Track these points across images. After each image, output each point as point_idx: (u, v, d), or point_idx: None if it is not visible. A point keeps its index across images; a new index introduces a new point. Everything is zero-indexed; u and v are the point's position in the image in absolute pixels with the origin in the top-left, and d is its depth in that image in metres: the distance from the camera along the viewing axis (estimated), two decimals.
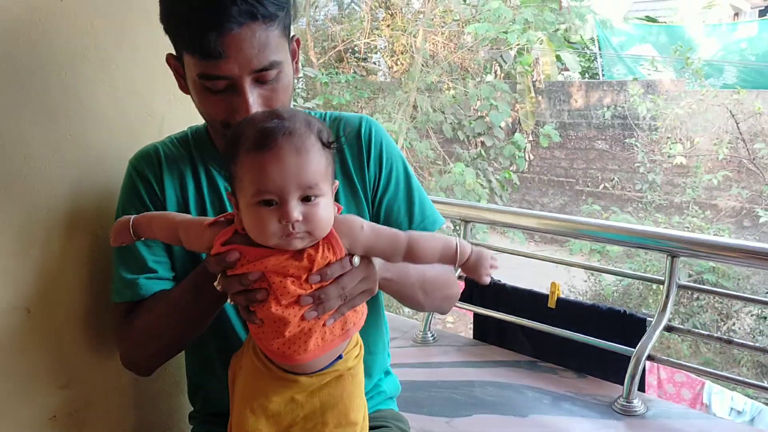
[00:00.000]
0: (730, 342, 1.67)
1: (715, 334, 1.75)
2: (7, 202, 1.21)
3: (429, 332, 2.20)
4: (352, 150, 1.25)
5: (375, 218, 1.27)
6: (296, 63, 1.16)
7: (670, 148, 8.58)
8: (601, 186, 10.68)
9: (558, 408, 1.79)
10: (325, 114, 1.29)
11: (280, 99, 1.09)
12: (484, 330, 2.23)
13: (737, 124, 8.27)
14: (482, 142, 9.23)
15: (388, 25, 9.55)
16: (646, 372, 4.31)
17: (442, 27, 9.07)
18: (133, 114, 1.40)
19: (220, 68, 1.02)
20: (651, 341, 1.76)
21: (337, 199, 1.11)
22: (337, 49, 9.83)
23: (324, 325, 0.96)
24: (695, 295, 6.80)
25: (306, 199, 0.90)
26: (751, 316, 6.49)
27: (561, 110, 11.08)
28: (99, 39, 1.31)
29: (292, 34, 1.13)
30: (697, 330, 1.83)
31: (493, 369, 2.01)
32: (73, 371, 1.35)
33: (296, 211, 0.88)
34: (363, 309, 1.04)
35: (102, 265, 1.33)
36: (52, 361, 1.31)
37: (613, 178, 10.56)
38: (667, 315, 1.78)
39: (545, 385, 1.90)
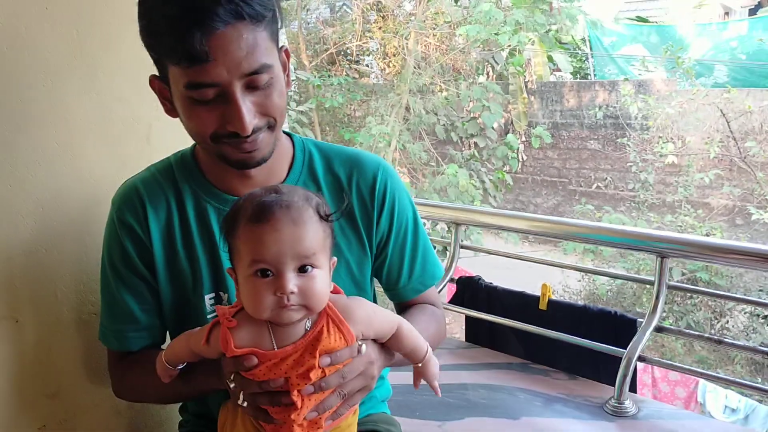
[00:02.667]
0: (720, 342, 1.68)
1: (706, 335, 1.75)
2: None
3: None
4: (363, 202, 1.21)
5: (377, 268, 1.27)
6: (287, 76, 1.09)
7: (662, 147, 8.62)
8: (594, 186, 10.72)
9: (550, 410, 1.79)
10: (345, 150, 1.25)
11: (276, 106, 1.03)
12: (476, 332, 2.23)
13: (728, 122, 8.31)
14: (475, 143, 9.25)
15: (380, 28, 9.58)
16: (640, 371, 4.34)
17: (434, 29, 9.09)
18: (120, 121, 1.40)
19: (207, 73, 0.96)
20: (641, 342, 1.76)
21: (342, 247, 1.13)
22: (329, 52, 9.85)
23: (320, 428, 0.98)
24: (688, 294, 6.83)
25: (302, 270, 0.91)
26: (745, 313, 6.52)
27: (553, 111, 11.12)
28: (84, 46, 1.31)
29: (281, 44, 1.07)
30: (687, 330, 1.84)
31: (485, 371, 2.01)
32: (62, 380, 1.35)
33: (291, 282, 0.89)
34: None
35: (90, 274, 1.34)
36: (40, 370, 1.31)
37: (606, 178, 10.60)
38: (658, 316, 1.78)
39: (537, 387, 1.90)
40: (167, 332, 1.26)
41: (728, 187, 8.61)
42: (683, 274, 6.83)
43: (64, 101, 1.30)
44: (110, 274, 1.18)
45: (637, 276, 2.00)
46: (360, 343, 0.98)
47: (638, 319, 1.87)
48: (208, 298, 1.17)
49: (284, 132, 1.21)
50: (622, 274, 2.03)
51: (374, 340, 1.04)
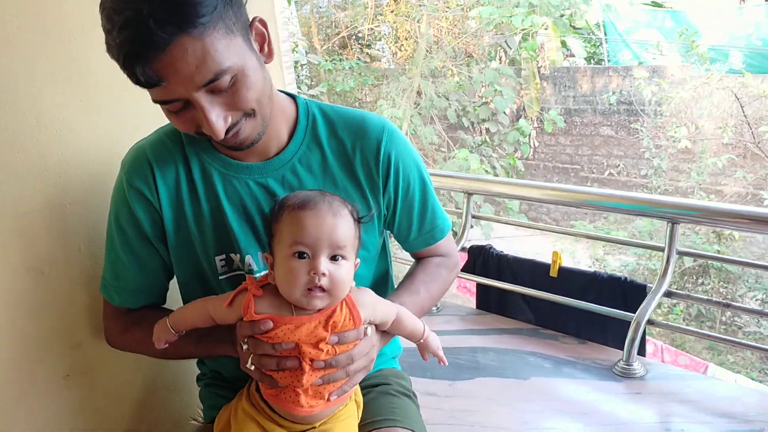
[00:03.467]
0: (728, 306, 1.70)
1: (714, 299, 1.77)
2: (20, 164, 1.24)
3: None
4: (368, 167, 1.22)
5: (389, 224, 1.31)
6: (268, 46, 1.06)
7: (675, 132, 8.55)
8: (607, 172, 10.66)
9: (558, 371, 1.82)
10: (350, 114, 1.25)
11: (247, 99, 1.01)
12: (486, 300, 2.26)
13: (742, 107, 8.23)
14: (487, 129, 9.23)
15: (392, 11, 9.55)
16: (649, 354, 4.36)
17: (446, 12, 9.05)
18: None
19: (165, 92, 0.95)
20: (651, 306, 1.79)
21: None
22: (341, 36, 9.84)
23: (328, 400, 1.07)
24: (699, 281, 6.82)
25: (334, 258, 1.01)
26: (756, 300, 6.52)
27: (566, 96, 11.03)
28: None
29: (253, 17, 1.03)
30: (696, 295, 1.86)
31: (496, 336, 2.04)
32: (85, 331, 1.38)
33: (324, 265, 0.99)
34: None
35: None
36: (64, 322, 1.35)
37: (619, 164, 10.54)
38: (668, 280, 1.80)
39: (546, 351, 1.93)
40: (165, 294, 1.32)
41: (741, 173, 8.55)
42: (695, 261, 6.83)
43: (86, 60, 1.32)
44: (116, 235, 1.21)
45: (647, 243, 2.01)
46: (366, 326, 1.07)
47: (648, 285, 1.89)
48: (219, 260, 1.20)
49: (288, 93, 1.23)
50: (632, 241, 2.04)
51: (376, 327, 1.13)
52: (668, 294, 1.82)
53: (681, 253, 1.82)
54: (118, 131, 1.40)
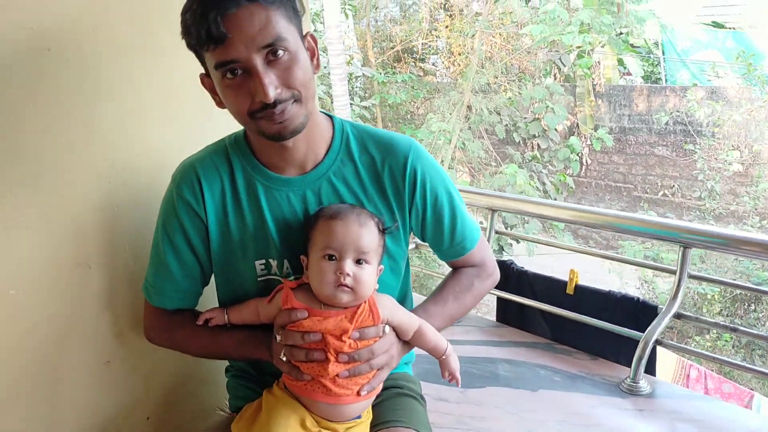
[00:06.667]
0: (735, 330, 1.74)
1: (721, 323, 1.81)
2: (74, 169, 1.37)
3: None
4: (395, 183, 1.33)
5: (422, 237, 1.43)
6: (316, 60, 1.21)
7: (727, 155, 8.36)
8: (660, 193, 10.47)
9: (567, 385, 1.88)
10: (379, 133, 1.36)
11: (298, 79, 1.12)
12: (506, 313, 2.33)
13: None
14: (537, 145, 9.22)
15: (447, 27, 9.65)
16: (693, 380, 4.30)
17: (500, 29, 9.10)
18: (185, 98, 1.56)
19: (228, 51, 1.07)
20: (660, 326, 1.83)
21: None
22: (395, 50, 9.99)
23: (358, 394, 1.23)
24: (751, 307, 6.65)
25: (358, 262, 1.18)
26: None
27: (621, 115, 10.91)
28: (155, 30, 1.47)
29: (305, 31, 1.19)
30: (704, 318, 1.89)
31: (511, 348, 2.12)
32: (126, 323, 1.51)
33: (349, 267, 1.17)
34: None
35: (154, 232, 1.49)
36: (108, 312, 1.48)
37: (673, 185, 10.34)
38: (678, 303, 1.85)
39: (558, 365, 2.00)
40: (198, 299, 1.44)
41: None
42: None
43: (137, 77, 1.46)
44: (162, 241, 1.33)
45: (659, 265, 2.05)
46: (384, 325, 1.22)
47: (659, 306, 1.94)
48: (258, 264, 1.32)
49: (325, 113, 1.36)
50: (646, 263, 2.09)
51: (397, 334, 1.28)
52: (678, 316, 1.86)
53: (692, 277, 1.87)
54: (166, 143, 1.54)
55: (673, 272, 1.89)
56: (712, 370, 4.94)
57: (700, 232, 1.83)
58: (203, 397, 1.73)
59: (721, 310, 7.00)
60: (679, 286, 1.85)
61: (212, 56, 1.11)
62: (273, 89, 1.10)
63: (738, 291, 6.89)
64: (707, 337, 6.80)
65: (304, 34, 1.18)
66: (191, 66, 1.20)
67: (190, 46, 1.15)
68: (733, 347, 6.77)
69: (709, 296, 6.89)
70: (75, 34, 1.34)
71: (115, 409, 1.53)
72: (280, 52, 1.10)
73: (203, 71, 1.20)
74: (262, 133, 1.19)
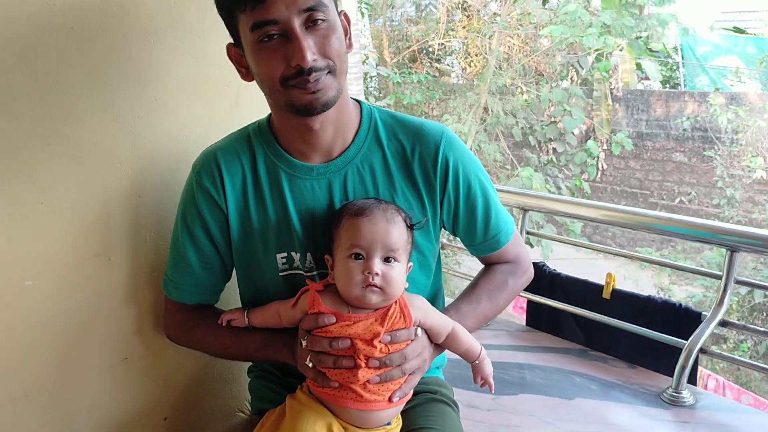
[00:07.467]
0: None
1: None
2: (95, 157, 1.30)
3: None
4: (426, 172, 1.26)
5: (454, 230, 1.34)
6: (348, 39, 1.16)
7: (750, 161, 8.24)
8: (677, 200, 10.34)
9: (604, 394, 1.79)
10: (410, 120, 1.30)
11: (335, 49, 1.09)
12: (537, 317, 2.25)
13: None
14: (554, 149, 9.13)
15: (464, 27, 9.57)
16: (711, 391, 4.19)
17: (518, 29, 9.01)
18: (212, 84, 1.49)
19: (269, 11, 1.04)
20: (705, 334, 1.74)
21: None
22: (411, 50, 9.92)
23: (390, 400, 1.15)
24: None
25: (387, 260, 1.11)
26: None
27: (638, 119, 10.78)
28: (183, 12, 1.40)
29: (340, 9, 1.15)
30: (752, 326, 1.80)
31: (543, 354, 2.03)
32: (145, 319, 1.45)
33: (377, 266, 1.10)
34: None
35: None
36: (126, 308, 1.42)
37: (690, 192, 10.21)
38: (724, 309, 1.76)
39: (594, 373, 1.91)
40: (219, 294, 1.38)
41: None
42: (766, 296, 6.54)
43: (163, 61, 1.40)
44: (181, 232, 1.28)
45: (705, 270, 1.95)
46: (416, 327, 1.14)
47: (703, 313, 1.85)
48: (280, 257, 1.25)
49: (354, 99, 1.29)
50: (691, 267, 1.99)
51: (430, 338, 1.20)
52: (723, 323, 1.77)
53: (739, 283, 1.78)
54: (189, 132, 1.47)
55: (719, 277, 1.79)
56: (730, 381, 4.84)
57: (748, 235, 1.74)
58: (224, 397, 1.67)
59: (739, 318, 6.90)
60: (725, 291, 1.76)
61: (249, 17, 1.07)
62: (311, 54, 1.06)
63: (757, 300, 6.75)
64: (723, 347, 6.69)
65: (339, 11, 1.14)
66: (219, 52, 1.16)
67: (224, 8, 1.11)
68: (750, 357, 6.66)
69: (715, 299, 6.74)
70: (99, 12, 1.28)
71: (131, 408, 1.47)
72: (320, 20, 1.07)
73: (231, 41, 1.16)
74: (292, 104, 1.12)
